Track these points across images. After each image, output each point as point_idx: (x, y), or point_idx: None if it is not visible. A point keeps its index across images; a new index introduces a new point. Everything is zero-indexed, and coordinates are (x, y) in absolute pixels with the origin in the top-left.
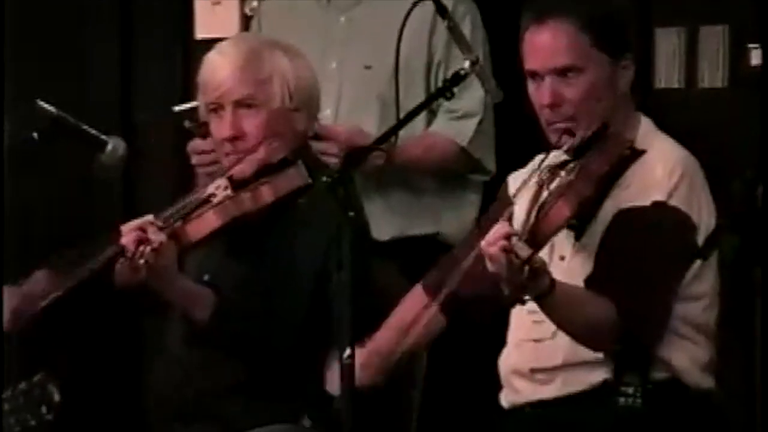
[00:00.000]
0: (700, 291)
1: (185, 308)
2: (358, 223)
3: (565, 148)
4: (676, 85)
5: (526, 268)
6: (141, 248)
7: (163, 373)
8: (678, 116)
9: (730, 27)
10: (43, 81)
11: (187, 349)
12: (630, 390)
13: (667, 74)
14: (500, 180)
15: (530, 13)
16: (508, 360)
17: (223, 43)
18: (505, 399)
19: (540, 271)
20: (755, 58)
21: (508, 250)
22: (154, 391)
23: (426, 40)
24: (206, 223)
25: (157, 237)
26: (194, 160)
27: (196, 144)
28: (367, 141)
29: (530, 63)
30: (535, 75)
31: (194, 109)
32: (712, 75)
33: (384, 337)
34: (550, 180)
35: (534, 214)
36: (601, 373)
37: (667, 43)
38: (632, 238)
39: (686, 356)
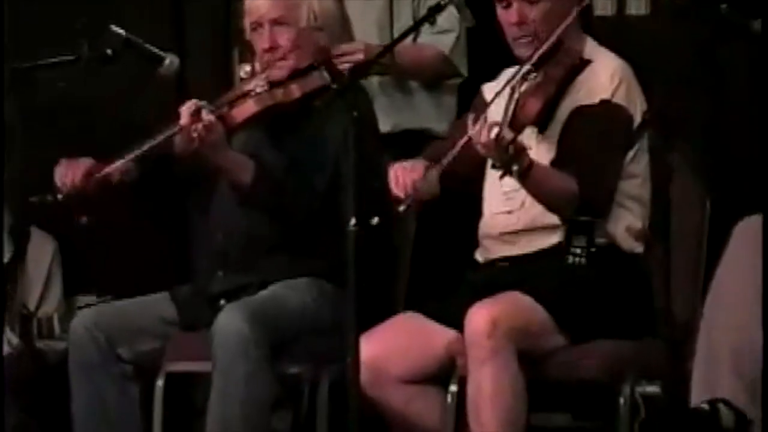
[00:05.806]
0: (635, 171)
1: (233, 172)
2: (365, 119)
3: (527, 56)
4: (609, 12)
5: (512, 147)
6: (195, 125)
7: (210, 233)
8: (609, 37)
9: None
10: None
11: (230, 212)
12: (578, 251)
13: (602, 2)
14: (473, 89)
15: None
16: (484, 226)
17: None
18: (481, 255)
19: (522, 151)
20: None
21: (498, 136)
22: (201, 245)
23: None
24: (247, 109)
25: (208, 117)
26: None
27: None
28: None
29: None
30: (504, 0)
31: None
32: (638, 4)
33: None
34: (520, 84)
35: (511, 108)
36: (555, 237)
37: None
38: (586, 129)
39: (623, 226)
